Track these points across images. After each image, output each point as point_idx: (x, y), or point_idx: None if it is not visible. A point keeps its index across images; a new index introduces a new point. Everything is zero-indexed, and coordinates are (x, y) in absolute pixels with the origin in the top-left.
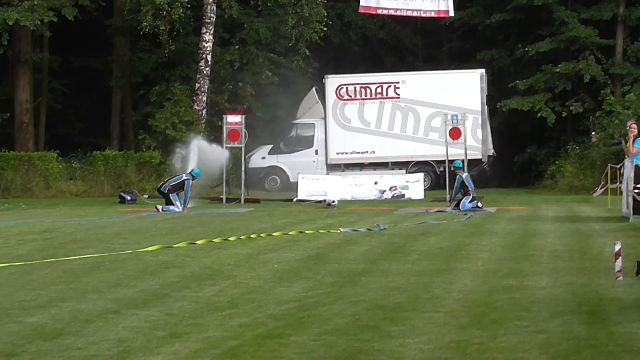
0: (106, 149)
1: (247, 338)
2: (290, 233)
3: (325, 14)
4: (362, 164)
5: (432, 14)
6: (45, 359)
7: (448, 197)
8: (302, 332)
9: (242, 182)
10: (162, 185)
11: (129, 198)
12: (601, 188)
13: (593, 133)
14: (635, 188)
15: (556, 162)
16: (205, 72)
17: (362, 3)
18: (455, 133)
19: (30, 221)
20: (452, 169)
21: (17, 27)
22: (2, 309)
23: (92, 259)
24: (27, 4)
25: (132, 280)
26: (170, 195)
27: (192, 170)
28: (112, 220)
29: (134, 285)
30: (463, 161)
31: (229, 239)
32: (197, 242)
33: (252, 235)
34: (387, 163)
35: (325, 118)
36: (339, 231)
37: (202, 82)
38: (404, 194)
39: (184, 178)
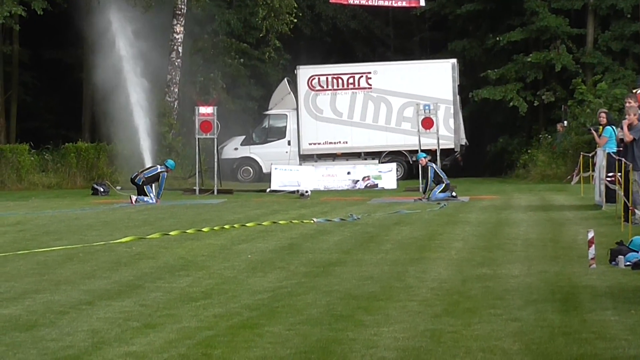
0: (78, 141)
1: (221, 328)
2: (264, 224)
3: (296, 6)
4: (335, 154)
5: (404, 4)
6: (20, 350)
7: (421, 187)
8: (276, 322)
9: (215, 173)
10: (136, 176)
11: (101, 190)
12: (576, 175)
13: (562, 123)
14: (607, 176)
15: (528, 151)
16: (176, 63)
17: None
18: (427, 123)
19: (3, 213)
20: (416, 159)
21: None
22: None
23: (65, 250)
24: None
25: (105, 271)
26: (144, 186)
27: (167, 162)
28: (85, 212)
29: (108, 277)
30: (435, 151)
31: (203, 229)
32: (170, 234)
33: (226, 226)
34: (360, 153)
35: (297, 109)
36: (312, 221)
37: (173, 73)
38: (377, 184)
39: (159, 170)
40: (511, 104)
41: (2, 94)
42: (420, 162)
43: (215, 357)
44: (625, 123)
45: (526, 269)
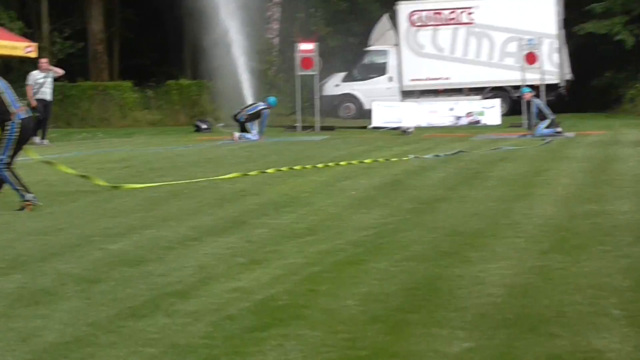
0: (180, 78)
1: (326, 264)
2: (366, 161)
3: None
4: (437, 90)
5: None
6: (129, 284)
7: (525, 123)
8: (381, 258)
9: (317, 109)
10: (238, 113)
11: (204, 127)
12: None
13: None
14: None
15: (636, 85)
16: (277, 1)
17: None
18: (531, 58)
19: (108, 150)
20: (520, 94)
21: None
22: (86, 236)
23: (170, 187)
24: None
25: (210, 207)
26: (246, 124)
27: (268, 99)
28: (188, 149)
29: (213, 213)
30: (539, 86)
31: (310, 166)
32: (267, 171)
33: (327, 165)
34: (462, 89)
35: (398, 45)
36: (403, 159)
37: (273, 10)
38: (479, 120)
39: (260, 107)
40: (617, 37)
41: (105, 31)
42: (524, 97)
43: (321, 293)
44: None
45: (635, 205)
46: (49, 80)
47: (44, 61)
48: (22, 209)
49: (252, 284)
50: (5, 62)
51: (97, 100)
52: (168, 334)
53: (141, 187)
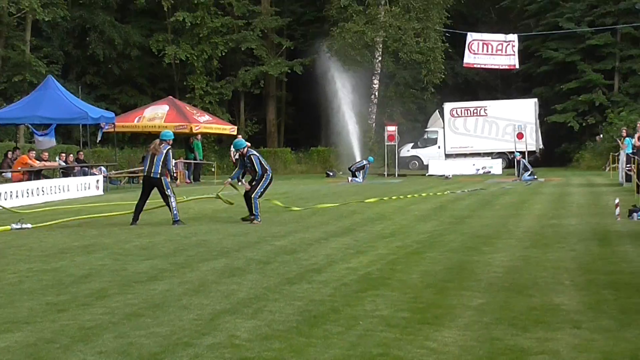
0: (318, 146)
1: (401, 254)
2: (423, 195)
3: (444, 68)
4: (465, 154)
5: (506, 67)
6: (287, 265)
7: (516, 173)
8: (432, 250)
9: (396, 164)
10: (351, 166)
11: (331, 174)
12: (608, 166)
13: (599, 135)
14: (626, 167)
15: (579, 152)
16: (374, 101)
17: (465, 61)
18: (520, 136)
19: (276, 187)
20: (513, 156)
21: (268, 75)
22: (261, 237)
23: (310, 209)
24: (274, 62)
25: (334, 220)
26: (355, 172)
27: (369, 158)
28: (322, 187)
29: (335, 224)
30: (523, 152)
31: (392, 197)
32: (367, 200)
33: (400, 196)
34: (480, 153)
35: (443, 127)
36: (445, 193)
37: (372, 107)
38: (490, 171)
39: (364, 163)
40: (569, 124)
41: (275, 119)
42: (517, 158)
43: (397, 271)
44: (637, 136)
45: (578, 220)
46: None
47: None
48: (249, 221)
49: (357, 265)
50: (219, 138)
51: (270, 158)
52: (309, 293)
53: (297, 210)
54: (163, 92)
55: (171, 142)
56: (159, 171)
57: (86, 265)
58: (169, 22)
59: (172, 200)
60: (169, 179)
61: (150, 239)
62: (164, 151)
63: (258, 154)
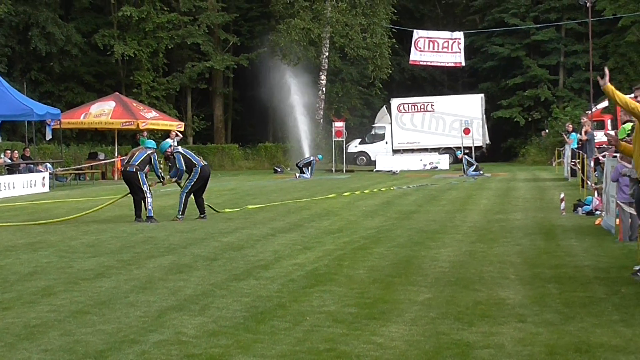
0: (266, 142)
1: (348, 250)
2: (373, 190)
3: (390, 64)
4: (413, 149)
5: (452, 64)
6: (234, 261)
7: (463, 169)
8: (379, 246)
9: (344, 160)
10: (298, 162)
11: (279, 170)
12: (554, 161)
13: (545, 130)
14: (571, 161)
15: (525, 147)
16: (322, 97)
17: (411, 58)
18: (467, 131)
19: (224, 184)
20: (459, 152)
21: (214, 71)
22: (208, 233)
23: (260, 206)
24: (220, 57)
25: (283, 216)
26: (303, 168)
27: (318, 155)
28: (269, 183)
29: (284, 219)
30: (469, 148)
31: (343, 194)
32: (314, 197)
33: (346, 193)
34: (428, 148)
35: (391, 123)
36: (392, 188)
37: (320, 103)
38: (437, 167)
39: (311, 159)
40: (515, 119)
41: (223, 115)
42: (458, 157)
43: (344, 266)
44: (583, 130)
45: (523, 215)
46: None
47: (173, 134)
48: (175, 220)
49: (304, 261)
50: (166, 135)
51: (218, 155)
52: (256, 290)
53: (229, 211)
54: (109, 89)
55: (154, 150)
56: (136, 164)
57: (32, 263)
58: (115, 16)
59: (148, 195)
60: (156, 182)
61: (96, 236)
62: (148, 152)
63: (185, 151)
